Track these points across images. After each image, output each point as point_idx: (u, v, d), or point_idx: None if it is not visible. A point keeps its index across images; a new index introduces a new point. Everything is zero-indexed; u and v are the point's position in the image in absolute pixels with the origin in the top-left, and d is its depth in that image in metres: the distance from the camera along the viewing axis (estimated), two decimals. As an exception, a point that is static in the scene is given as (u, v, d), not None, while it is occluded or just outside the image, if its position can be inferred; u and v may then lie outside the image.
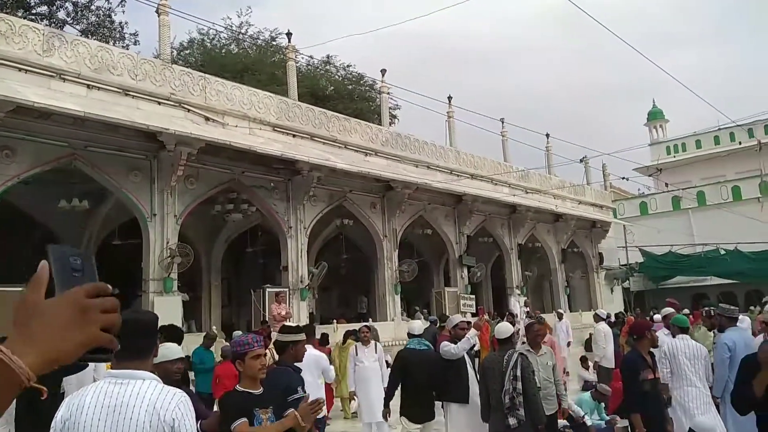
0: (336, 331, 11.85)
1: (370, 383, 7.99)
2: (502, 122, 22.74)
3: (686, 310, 8.51)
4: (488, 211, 20.79)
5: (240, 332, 10.39)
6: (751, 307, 17.28)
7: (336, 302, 22.20)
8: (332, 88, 27.30)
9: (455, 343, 6.43)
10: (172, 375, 3.97)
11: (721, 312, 7.04)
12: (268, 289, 13.71)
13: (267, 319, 12.46)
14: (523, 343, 6.99)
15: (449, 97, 20.48)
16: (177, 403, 2.12)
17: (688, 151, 39.25)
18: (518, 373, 5.27)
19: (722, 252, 26.44)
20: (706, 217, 30.67)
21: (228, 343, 9.29)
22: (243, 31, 26.96)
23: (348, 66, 27.74)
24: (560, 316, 16.27)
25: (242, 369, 3.42)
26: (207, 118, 12.76)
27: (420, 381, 6.35)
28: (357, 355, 8.29)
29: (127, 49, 19.71)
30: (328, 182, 15.42)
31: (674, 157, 39.28)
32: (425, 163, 18.29)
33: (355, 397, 8.90)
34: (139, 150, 12.15)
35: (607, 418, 8.33)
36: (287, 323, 8.37)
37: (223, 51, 26.85)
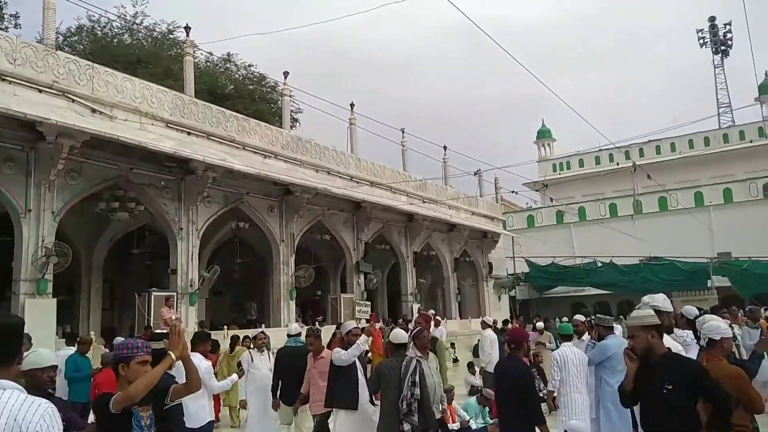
0: (226, 338, 11.46)
1: (266, 392, 7.71)
2: (403, 132, 23.20)
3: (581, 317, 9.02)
4: (386, 218, 21.09)
5: (121, 338, 9.79)
6: (621, 316, 18.76)
7: (228, 307, 21.55)
8: (232, 87, 26.60)
9: (347, 349, 6.43)
10: (43, 384, 3.65)
11: (598, 322, 7.52)
12: (154, 293, 13.05)
13: (152, 324, 11.83)
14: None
15: (351, 104, 20.62)
16: (42, 415, 1.94)
17: (572, 169, 41.99)
18: (417, 379, 5.34)
19: (599, 264, 28.42)
20: (586, 231, 32.91)
21: (107, 350, 8.71)
22: (138, 21, 25.65)
23: (250, 65, 27.19)
24: (437, 323, 16.66)
25: (124, 374, 3.17)
26: (93, 110, 11.98)
27: (294, 372, 7.29)
28: (253, 362, 7.98)
29: (6, 31, 18.14)
30: (224, 183, 14.97)
31: (559, 174, 41.88)
32: (325, 168, 18.25)
33: (246, 407, 8.48)
34: (15, 140, 11.19)
35: (491, 422, 8.66)
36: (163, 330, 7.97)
37: (115, 41, 25.36)
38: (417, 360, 5.44)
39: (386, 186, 20.71)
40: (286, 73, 18.54)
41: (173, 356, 3.33)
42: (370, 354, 13.18)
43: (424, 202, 22.11)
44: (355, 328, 6.93)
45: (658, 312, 4.03)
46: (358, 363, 6.59)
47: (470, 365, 13.15)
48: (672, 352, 4.04)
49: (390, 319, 18.91)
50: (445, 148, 25.27)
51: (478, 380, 12.03)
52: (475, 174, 27.17)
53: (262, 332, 8.67)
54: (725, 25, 42.24)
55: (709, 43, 43.25)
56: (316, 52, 76.68)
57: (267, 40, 43.03)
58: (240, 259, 18.17)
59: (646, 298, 4.13)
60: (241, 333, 11.79)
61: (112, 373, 3.39)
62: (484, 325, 12.07)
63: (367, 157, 20.60)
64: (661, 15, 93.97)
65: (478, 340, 13.02)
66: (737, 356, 8.43)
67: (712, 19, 42.93)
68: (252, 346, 8.87)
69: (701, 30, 43.50)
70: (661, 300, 4.06)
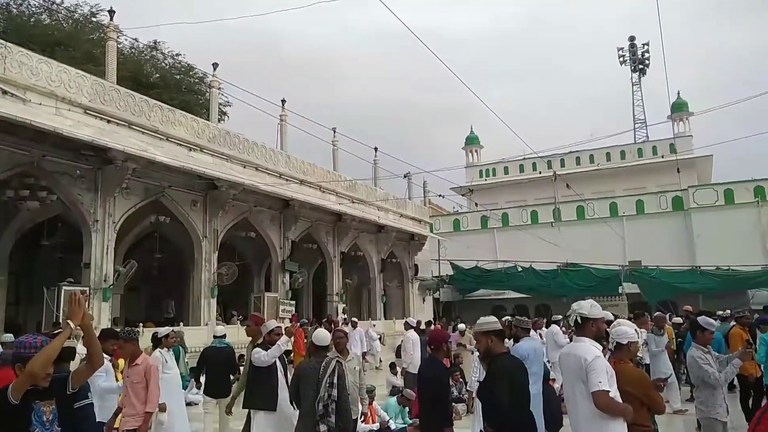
0: (142, 335, 10.96)
1: (176, 394, 7.43)
2: (334, 131, 23.12)
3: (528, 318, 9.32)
4: (314, 217, 20.94)
5: (10, 335, 9.23)
6: (543, 318, 19.46)
7: (144, 304, 20.72)
8: (158, 75, 25.64)
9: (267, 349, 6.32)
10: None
11: (517, 324, 7.73)
12: (64, 287, 12.35)
13: (61, 321, 11.19)
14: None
15: (283, 101, 20.35)
16: None
17: (497, 176, 43.17)
18: (335, 380, 5.30)
19: (520, 269, 29.40)
20: (508, 236, 33.93)
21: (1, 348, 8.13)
22: (58, 1, 24.27)
23: (177, 55, 26.30)
24: (354, 324, 16.71)
25: (22, 374, 3.00)
26: (4, 92, 11.22)
27: (218, 370, 8.09)
28: (167, 362, 7.61)
29: None
30: (145, 175, 14.39)
31: (485, 180, 42.97)
32: (254, 164, 17.90)
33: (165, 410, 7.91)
34: None
35: (410, 422, 8.74)
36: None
37: (32, 20, 23.87)
38: (336, 361, 5.41)
39: (316, 185, 20.56)
40: (215, 65, 18.07)
41: (72, 325, 3.16)
42: (292, 354, 13.06)
43: (353, 202, 22.11)
44: (278, 327, 6.83)
45: (585, 319, 4.20)
46: (278, 364, 6.49)
47: (392, 366, 13.24)
48: (503, 354, 4.39)
49: (314, 319, 18.78)
50: (376, 149, 25.39)
51: (399, 381, 12.11)
52: (405, 177, 27.46)
53: (173, 331, 8.30)
54: (644, 44, 44.67)
55: (628, 61, 45.59)
56: (249, 45, 75.20)
57: (197, 30, 41.89)
58: (159, 254, 17.51)
59: (574, 306, 4.32)
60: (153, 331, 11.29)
61: (11, 373, 3.16)
62: (407, 327, 12.19)
63: (297, 155, 20.40)
64: (585, 31, 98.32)
65: (402, 341, 13.12)
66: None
67: (632, 38, 45.26)
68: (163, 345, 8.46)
69: (621, 48, 45.82)
70: (587, 307, 4.22)
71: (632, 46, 45.19)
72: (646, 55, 44.65)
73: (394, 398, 9.41)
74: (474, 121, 62.55)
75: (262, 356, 6.27)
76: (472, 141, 45.11)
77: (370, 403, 8.55)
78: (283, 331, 7.22)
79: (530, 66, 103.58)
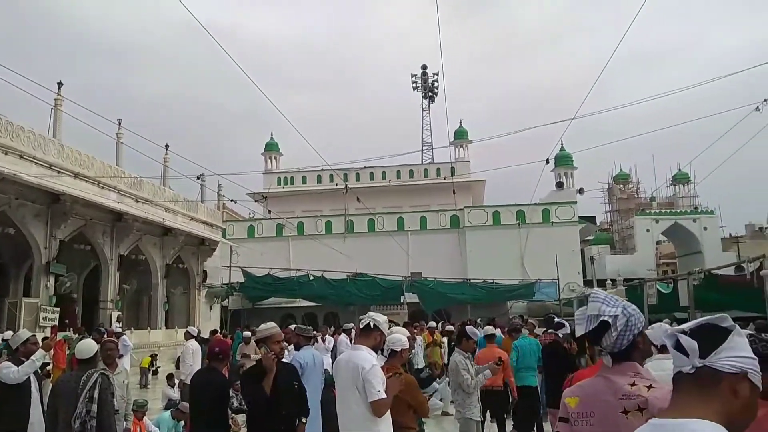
0: None
1: None
2: (119, 123, 21.23)
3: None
4: (90, 215, 18.94)
5: None
6: (331, 326, 19.85)
7: None
8: None
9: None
10: None
11: (299, 332, 7.77)
12: None
13: None
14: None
15: (59, 83, 18.16)
16: None
17: (295, 185, 43.42)
18: (95, 394, 4.78)
19: (311, 278, 29.80)
20: (302, 245, 34.26)
21: None
22: None
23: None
24: (117, 336, 15.52)
25: None
26: None
27: None
28: None
29: None
30: None
31: (283, 187, 42.95)
32: (18, 151, 15.66)
33: None
34: None
35: (185, 437, 8.27)
36: None
37: None
38: (100, 374, 4.89)
39: (93, 179, 18.65)
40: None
41: None
42: (50, 367, 11.58)
43: (137, 201, 20.48)
44: (33, 336, 6.00)
45: (375, 327, 4.39)
46: (33, 379, 5.71)
47: (170, 377, 12.45)
48: (284, 361, 4.77)
49: (83, 328, 16.90)
50: (167, 147, 23.89)
51: (176, 393, 11.44)
52: (198, 178, 26.21)
53: None
54: (434, 74, 48.56)
55: (420, 87, 49.21)
56: (19, 19, 66.16)
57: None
58: None
59: (372, 314, 4.50)
60: None
61: None
62: (188, 336, 11.57)
63: (73, 144, 18.31)
64: (387, 55, 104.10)
65: (181, 351, 12.41)
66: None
67: (424, 67, 48.95)
68: None
69: (415, 75, 49.32)
70: (381, 319, 4.44)
71: (424, 74, 48.86)
72: (435, 84, 48.58)
73: (168, 412, 8.83)
74: (275, 127, 62.19)
75: (11, 372, 5.46)
76: (271, 147, 44.81)
77: (141, 419, 7.92)
78: (41, 343, 6.37)
79: (333, 80, 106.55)
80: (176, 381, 11.88)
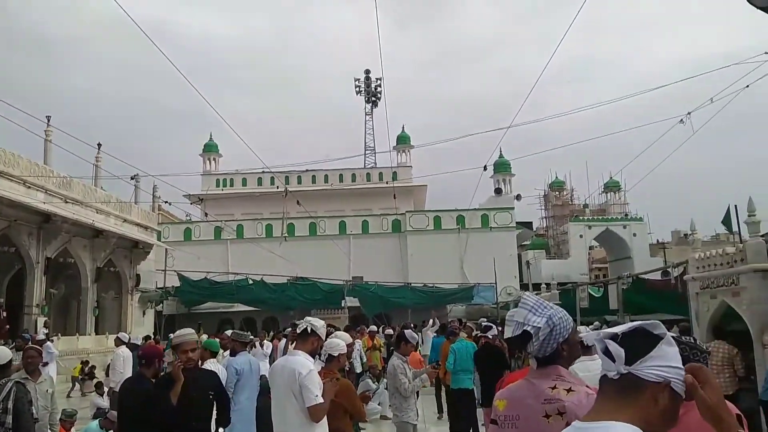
0: None
1: None
2: (48, 120, 20.26)
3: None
4: (14, 216, 17.96)
5: None
6: (269, 332, 19.58)
7: None
8: None
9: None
10: None
11: (235, 338, 7.61)
12: None
13: None
14: None
15: (-19, 76, 17.16)
16: None
17: (234, 187, 42.63)
18: (9, 405, 4.52)
19: (250, 282, 29.27)
20: (241, 248, 33.65)
21: None
22: None
23: None
24: (40, 343, 14.84)
25: None
26: None
27: None
28: None
29: None
30: None
31: (222, 189, 42.08)
32: (-67, 146, 14.71)
33: None
34: None
35: (114, 447, 7.94)
36: None
37: None
38: (16, 383, 4.63)
39: (19, 179, 17.72)
40: None
41: None
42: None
43: (66, 202, 19.59)
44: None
45: (312, 332, 4.37)
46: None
47: (99, 385, 11.96)
48: (204, 368, 4.81)
49: (7, 334, 16.00)
50: (99, 145, 22.95)
51: (106, 402, 10.99)
52: (132, 179, 25.27)
53: None
54: (377, 79, 48.78)
55: (363, 92, 49.31)
56: (-57, 4, 62.41)
57: None
58: None
59: (309, 319, 4.47)
60: None
61: None
62: (118, 342, 11.14)
63: (-3, 142, 17.33)
64: (330, 58, 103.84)
65: (111, 359, 11.94)
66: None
67: (368, 71, 49.15)
68: None
69: (358, 79, 49.40)
70: (319, 324, 4.41)
71: (367, 79, 49.02)
72: (379, 89, 48.82)
73: (96, 421, 8.46)
74: (215, 128, 60.80)
75: None
76: (210, 148, 43.85)
77: (69, 429, 7.57)
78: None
79: (277, 81, 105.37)
80: (105, 389, 11.42)
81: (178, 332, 4.48)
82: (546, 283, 26.57)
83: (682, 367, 1.36)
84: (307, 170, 40.30)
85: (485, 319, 13.49)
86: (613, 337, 1.37)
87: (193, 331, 4.51)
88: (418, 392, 6.60)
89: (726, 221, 16.40)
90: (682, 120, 11.60)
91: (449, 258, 33.68)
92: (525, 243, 45.42)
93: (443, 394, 10.62)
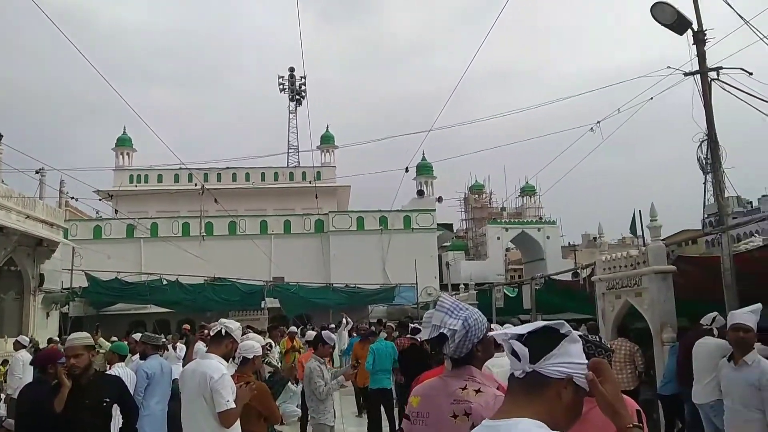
0: None
1: None
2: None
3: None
4: None
5: None
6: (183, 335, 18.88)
7: None
8: None
9: None
10: None
11: (146, 340, 7.28)
12: None
13: None
14: None
15: None
16: None
17: (150, 183, 40.91)
18: None
19: (165, 282, 28.17)
20: (156, 247, 32.32)
21: None
22: None
23: None
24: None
25: None
26: None
27: None
28: None
29: None
30: None
31: (136, 186, 40.31)
32: None
33: None
34: None
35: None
36: None
37: None
38: None
39: None
40: None
41: None
42: None
43: (-40, 196, 18.11)
44: None
45: (227, 335, 4.28)
46: None
47: (-6, 393, 11.12)
48: (104, 372, 4.50)
49: None
50: (0, 137, 21.39)
51: (2, 410, 10.24)
52: (37, 173, 23.78)
53: None
54: (302, 77, 48.25)
55: (287, 90, 48.67)
56: None
57: None
58: None
59: (224, 321, 4.37)
60: None
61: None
62: (18, 346, 10.44)
63: None
64: (253, 54, 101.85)
65: (10, 363, 11.15)
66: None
67: (292, 69, 48.48)
68: None
69: (282, 77, 48.69)
70: (234, 326, 4.31)
71: (291, 77, 48.42)
72: (303, 87, 48.35)
73: (-11, 433, 7.87)
74: (129, 121, 58.12)
75: None
76: (124, 143, 41.86)
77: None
78: None
79: (198, 76, 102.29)
80: (2, 396, 10.64)
81: (71, 335, 4.22)
82: (465, 284, 27.19)
83: (586, 362, 1.42)
84: (227, 168, 39.36)
85: (411, 321, 13.67)
86: (519, 338, 1.40)
87: (87, 334, 4.26)
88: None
89: (632, 226, 17.42)
90: (592, 128, 12.20)
91: (372, 259, 33.83)
92: (446, 244, 46.34)
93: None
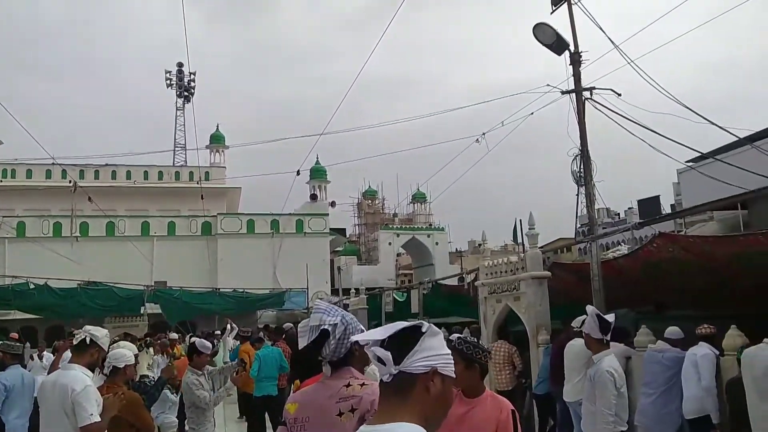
0: None
1: None
2: None
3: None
4: None
5: None
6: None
7: None
8: None
9: None
10: None
11: (4, 349, 6.74)
12: None
13: None
14: None
15: None
16: None
17: (17, 179, 37.62)
18: None
19: (32, 286, 25.91)
20: (23, 248, 29.73)
21: None
22: None
23: None
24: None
25: None
26: None
27: None
28: None
29: None
30: None
31: (1, 181, 36.91)
32: None
33: None
34: None
35: None
36: None
37: None
38: None
39: None
40: None
41: None
42: None
43: None
44: None
45: (92, 343, 3.94)
46: None
47: None
48: None
49: None
50: None
51: None
52: None
53: None
54: (191, 73, 46.36)
55: (174, 85, 46.58)
56: None
57: None
58: None
59: (89, 328, 4.04)
60: None
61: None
62: None
63: None
64: (136, 45, 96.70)
65: None
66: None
67: (180, 64, 46.31)
68: None
69: (170, 71, 46.54)
70: (100, 334, 3.99)
71: (180, 72, 46.41)
72: (192, 84, 46.54)
73: None
74: (-5, 111, 52.99)
75: None
76: (-13, 134, 38.17)
77: None
78: None
79: (70, 65, 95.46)
80: None
81: None
82: (356, 288, 27.38)
83: (448, 352, 1.44)
84: (107, 164, 37.02)
85: (292, 327, 13.45)
86: (380, 343, 1.41)
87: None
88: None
89: (513, 234, 18.32)
90: (477, 140, 12.73)
91: (262, 263, 33.11)
92: (338, 249, 46.39)
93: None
